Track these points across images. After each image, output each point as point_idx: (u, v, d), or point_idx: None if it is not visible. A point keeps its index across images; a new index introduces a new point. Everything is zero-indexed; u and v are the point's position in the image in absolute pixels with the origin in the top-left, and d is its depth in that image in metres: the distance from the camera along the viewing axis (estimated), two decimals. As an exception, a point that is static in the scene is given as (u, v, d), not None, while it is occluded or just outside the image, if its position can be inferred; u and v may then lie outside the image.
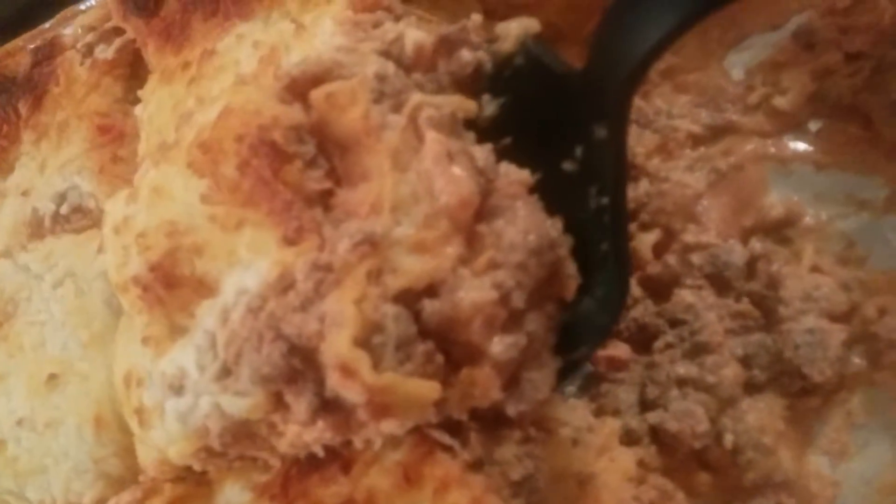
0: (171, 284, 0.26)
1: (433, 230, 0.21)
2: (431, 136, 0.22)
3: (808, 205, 0.31)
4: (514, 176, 0.23)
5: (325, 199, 0.23)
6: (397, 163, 0.22)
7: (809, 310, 0.30)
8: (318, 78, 0.24)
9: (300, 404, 0.22)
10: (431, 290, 0.21)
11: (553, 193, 0.24)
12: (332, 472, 0.25)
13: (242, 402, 0.23)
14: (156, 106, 0.31)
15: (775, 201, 0.31)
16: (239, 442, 0.24)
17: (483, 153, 0.23)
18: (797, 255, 0.31)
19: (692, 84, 0.33)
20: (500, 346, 0.21)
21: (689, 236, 0.31)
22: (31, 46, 0.39)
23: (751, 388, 0.29)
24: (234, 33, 0.32)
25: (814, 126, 0.32)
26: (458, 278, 0.21)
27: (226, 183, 0.24)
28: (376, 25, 0.26)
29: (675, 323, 0.30)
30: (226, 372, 0.24)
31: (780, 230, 0.31)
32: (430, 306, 0.21)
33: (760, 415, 0.29)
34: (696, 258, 0.31)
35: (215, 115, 0.25)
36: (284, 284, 0.23)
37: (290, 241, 0.23)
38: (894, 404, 0.28)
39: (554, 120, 0.26)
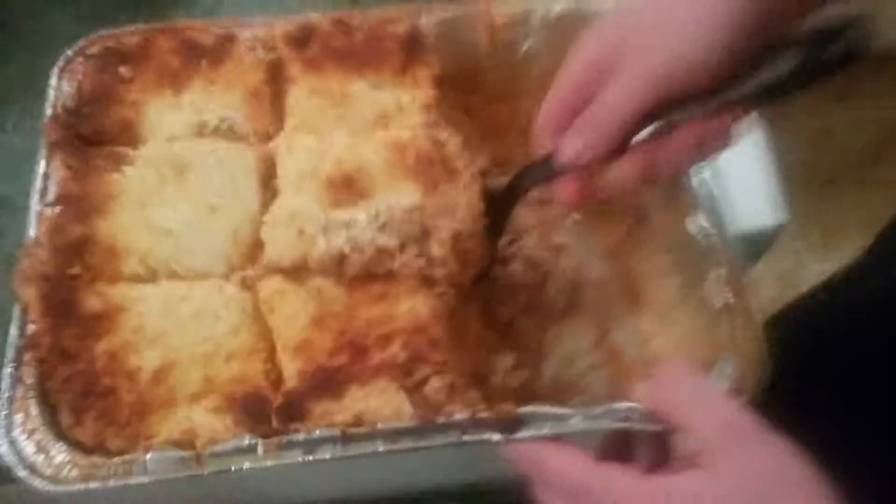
0: (348, 187, 0.54)
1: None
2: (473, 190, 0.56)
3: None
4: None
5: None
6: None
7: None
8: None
9: (414, 250, 0.51)
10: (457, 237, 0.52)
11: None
12: (379, 286, 0.55)
13: (389, 240, 0.51)
14: (306, 111, 0.60)
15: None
16: (371, 258, 0.52)
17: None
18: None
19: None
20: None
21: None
22: (215, 30, 0.65)
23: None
24: (357, 85, 0.60)
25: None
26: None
27: (406, 160, 0.55)
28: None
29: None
30: (382, 228, 0.52)
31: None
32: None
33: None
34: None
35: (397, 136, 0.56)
36: (421, 206, 0.52)
37: (427, 193, 0.53)
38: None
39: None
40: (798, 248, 1.91)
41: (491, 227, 0.56)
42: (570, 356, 0.61)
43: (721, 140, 0.45)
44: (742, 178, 0.66)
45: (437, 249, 0.53)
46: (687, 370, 0.49)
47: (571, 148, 0.48)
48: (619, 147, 0.46)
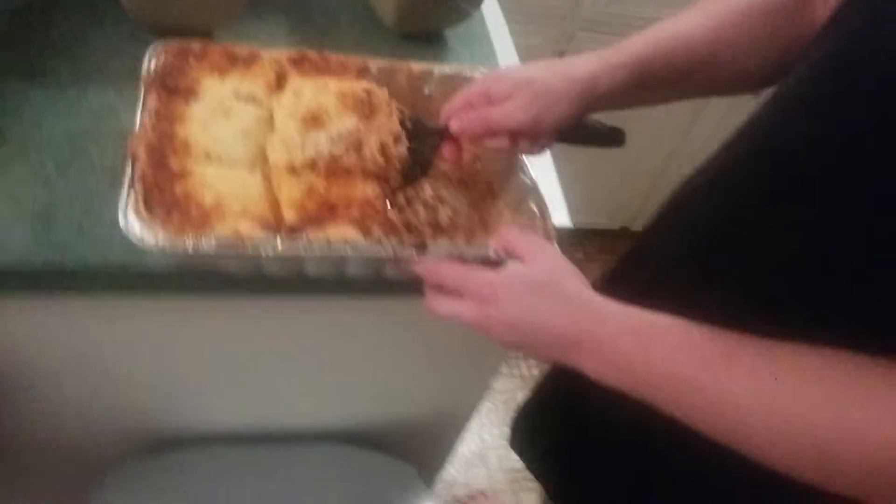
0: (314, 121, 0.95)
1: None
2: (392, 120, 1.01)
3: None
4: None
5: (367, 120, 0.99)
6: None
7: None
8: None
9: (354, 154, 0.95)
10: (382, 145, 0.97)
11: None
12: (343, 178, 0.95)
13: (338, 148, 0.93)
14: (297, 86, 1.04)
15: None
16: (330, 160, 0.93)
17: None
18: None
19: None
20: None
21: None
22: (247, 49, 1.08)
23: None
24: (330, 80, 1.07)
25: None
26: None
27: (347, 102, 0.99)
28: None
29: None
30: (334, 142, 0.89)
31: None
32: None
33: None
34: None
35: (341, 87, 1.02)
36: (357, 128, 0.90)
37: (361, 121, 0.91)
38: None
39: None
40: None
41: (420, 154, 0.98)
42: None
43: (535, 148, 0.88)
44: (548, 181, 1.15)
45: (368, 152, 0.94)
46: (517, 226, 0.93)
47: (457, 123, 0.93)
48: (487, 135, 0.85)
